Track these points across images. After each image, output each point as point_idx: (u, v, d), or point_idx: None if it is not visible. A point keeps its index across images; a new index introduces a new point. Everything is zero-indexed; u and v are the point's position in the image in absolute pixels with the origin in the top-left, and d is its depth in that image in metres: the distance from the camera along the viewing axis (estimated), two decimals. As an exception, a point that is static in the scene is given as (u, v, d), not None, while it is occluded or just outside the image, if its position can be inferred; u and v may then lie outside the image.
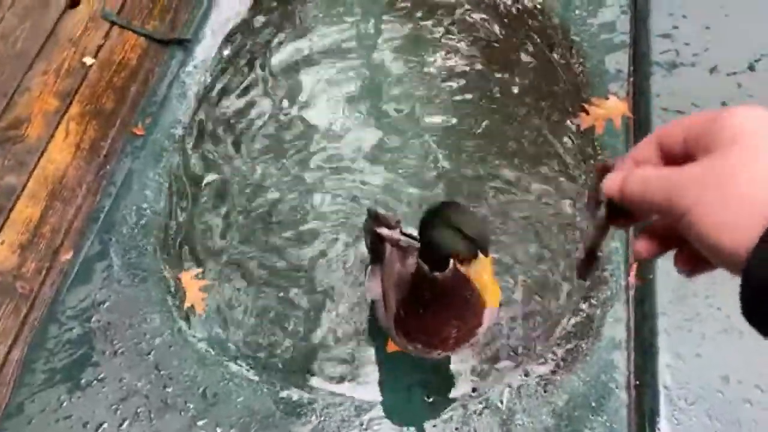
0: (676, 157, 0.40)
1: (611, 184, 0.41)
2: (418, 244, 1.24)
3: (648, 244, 0.42)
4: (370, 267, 1.39)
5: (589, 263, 0.45)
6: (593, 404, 1.40)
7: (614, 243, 1.61)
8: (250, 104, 1.91)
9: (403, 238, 1.28)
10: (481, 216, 0.90)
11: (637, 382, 1.43)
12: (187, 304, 1.54)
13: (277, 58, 2.00)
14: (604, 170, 0.42)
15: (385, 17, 2.07)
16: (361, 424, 1.38)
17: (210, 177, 1.76)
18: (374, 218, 1.40)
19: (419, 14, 2.07)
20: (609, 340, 1.47)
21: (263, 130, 1.85)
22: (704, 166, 0.35)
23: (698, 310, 1.47)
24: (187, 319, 1.52)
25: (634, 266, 1.58)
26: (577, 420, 1.38)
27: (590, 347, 1.47)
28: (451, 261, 0.98)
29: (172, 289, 1.57)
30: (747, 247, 0.33)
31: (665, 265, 1.53)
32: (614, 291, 1.53)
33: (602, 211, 0.42)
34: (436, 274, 0.99)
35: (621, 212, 0.42)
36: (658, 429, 1.34)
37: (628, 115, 1.87)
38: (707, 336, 1.44)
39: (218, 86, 1.94)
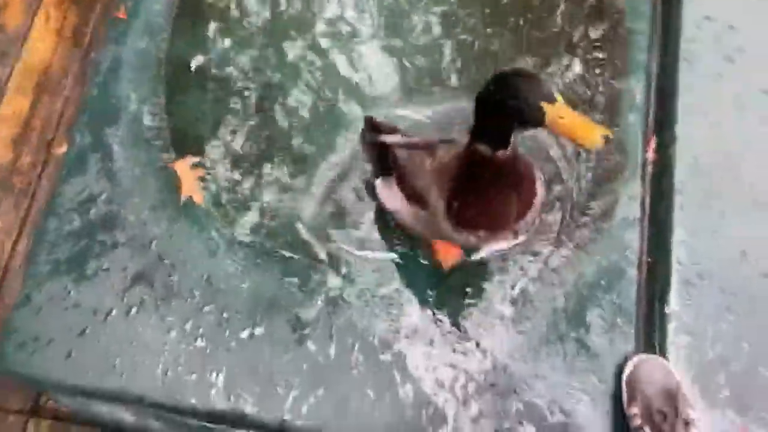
0: None
1: None
2: (438, 140, 1.16)
3: None
4: (379, 180, 1.30)
5: None
6: (602, 282, 1.36)
7: (631, 115, 1.50)
8: (238, -21, 1.75)
9: (420, 141, 1.19)
10: (530, 71, 0.82)
11: (650, 259, 1.39)
12: (184, 194, 1.50)
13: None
14: None
15: None
16: (368, 301, 1.37)
17: (200, 60, 1.65)
18: (372, 127, 1.31)
19: None
20: (623, 219, 1.41)
21: (257, 8, 1.71)
22: None
23: (719, 185, 1.39)
24: (186, 208, 1.49)
25: (653, 140, 1.48)
26: (586, 299, 1.35)
27: (604, 225, 1.41)
28: (512, 138, 0.91)
29: (170, 179, 1.52)
30: None
31: (685, 139, 1.43)
32: (631, 167, 1.45)
33: None
34: (499, 153, 0.92)
35: None
36: (668, 304, 1.31)
37: (656, -26, 1.67)
38: (727, 212, 1.37)
39: (202, -41, 1.77)
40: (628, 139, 1.47)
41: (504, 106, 0.83)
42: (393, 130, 1.30)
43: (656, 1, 1.64)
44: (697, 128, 1.44)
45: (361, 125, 1.42)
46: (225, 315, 1.37)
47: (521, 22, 1.64)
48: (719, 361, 1.27)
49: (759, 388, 1.24)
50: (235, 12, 1.71)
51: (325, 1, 1.71)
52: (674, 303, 1.32)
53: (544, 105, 0.79)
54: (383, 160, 1.26)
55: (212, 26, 1.69)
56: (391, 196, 1.24)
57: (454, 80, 1.59)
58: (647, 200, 1.43)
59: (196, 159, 1.54)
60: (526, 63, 1.59)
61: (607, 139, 0.76)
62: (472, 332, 1.34)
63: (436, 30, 1.65)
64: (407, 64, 1.62)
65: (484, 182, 0.98)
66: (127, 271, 1.42)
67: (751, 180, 1.37)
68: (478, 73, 1.60)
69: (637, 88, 1.54)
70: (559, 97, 0.80)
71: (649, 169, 1.46)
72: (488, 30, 1.64)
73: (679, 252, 1.35)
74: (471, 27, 1.65)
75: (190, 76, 1.64)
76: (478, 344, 1.33)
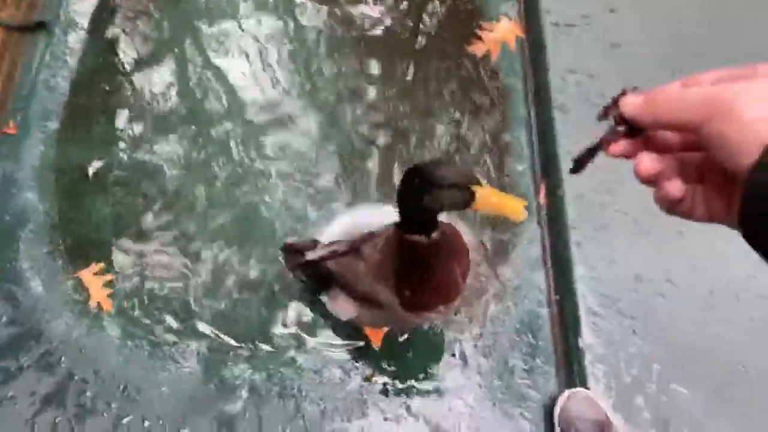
0: None
1: (632, 102, 0.43)
2: (363, 238, 1.17)
3: (652, 161, 0.44)
4: (324, 295, 1.30)
5: (582, 163, 0.49)
6: (518, 326, 1.42)
7: (521, 166, 1.61)
8: (130, 82, 1.78)
9: (341, 244, 1.21)
10: (444, 159, 0.88)
11: (557, 297, 1.46)
12: (92, 303, 1.45)
13: (153, 29, 1.86)
14: (622, 95, 0.45)
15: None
16: (293, 383, 1.35)
17: (96, 165, 1.64)
18: (291, 251, 1.33)
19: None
20: (526, 261, 1.49)
21: (146, 109, 1.73)
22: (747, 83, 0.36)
23: (606, 218, 1.50)
24: (96, 317, 1.44)
25: (543, 186, 1.59)
26: (506, 344, 1.39)
27: (510, 272, 1.48)
28: (438, 220, 0.96)
29: (75, 290, 1.48)
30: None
31: (572, 180, 1.55)
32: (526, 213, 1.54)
33: (609, 125, 0.46)
34: (434, 236, 0.96)
35: (627, 134, 0.45)
36: (581, 338, 1.38)
37: (521, 35, 1.85)
38: (617, 242, 1.47)
39: (91, 67, 1.80)
40: (520, 187, 1.57)
41: (432, 195, 0.87)
42: (313, 245, 1.30)
43: (526, 58, 1.81)
44: (578, 169, 1.56)
45: (275, 216, 1.43)
46: (146, 424, 1.31)
47: (421, 88, 1.75)
48: (635, 385, 1.33)
49: (674, 405, 1.31)
50: (128, 113, 1.73)
51: (218, 97, 1.76)
52: (586, 335, 1.38)
53: (474, 187, 0.84)
54: (317, 276, 1.27)
55: (107, 129, 1.70)
56: (343, 307, 1.24)
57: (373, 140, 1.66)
58: (546, 241, 1.52)
59: (102, 265, 1.50)
60: (427, 126, 1.69)
61: (527, 209, 0.83)
62: (402, 397, 1.34)
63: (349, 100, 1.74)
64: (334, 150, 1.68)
65: (428, 266, 1.01)
66: (35, 395, 1.34)
67: (630, 209, 1.49)
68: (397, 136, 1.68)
69: (521, 140, 1.66)
70: (482, 180, 0.86)
71: (543, 212, 1.56)
72: (398, 105, 1.74)
73: (582, 285, 1.43)
74: (381, 101, 1.74)
75: (88, 182, 1.62)
76: (409, 408, 1.33)
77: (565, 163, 1.57)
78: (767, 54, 1.67)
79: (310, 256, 1.25)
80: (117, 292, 1.47)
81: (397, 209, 0.95)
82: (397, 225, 0.99)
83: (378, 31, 1.85)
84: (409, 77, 1.77)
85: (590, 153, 0.48)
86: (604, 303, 1.41)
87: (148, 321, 1.44)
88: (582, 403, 1.31)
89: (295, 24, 1.86)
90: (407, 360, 1.38)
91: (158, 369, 1.37)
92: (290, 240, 1.42)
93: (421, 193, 0.88)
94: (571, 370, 1.37)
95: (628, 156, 0.46)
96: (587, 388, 1.33)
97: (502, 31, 1.85)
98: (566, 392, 1.32)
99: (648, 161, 0.43)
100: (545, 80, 1.72)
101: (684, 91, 0.39)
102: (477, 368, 1.37)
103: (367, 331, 1.39)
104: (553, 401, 1.33)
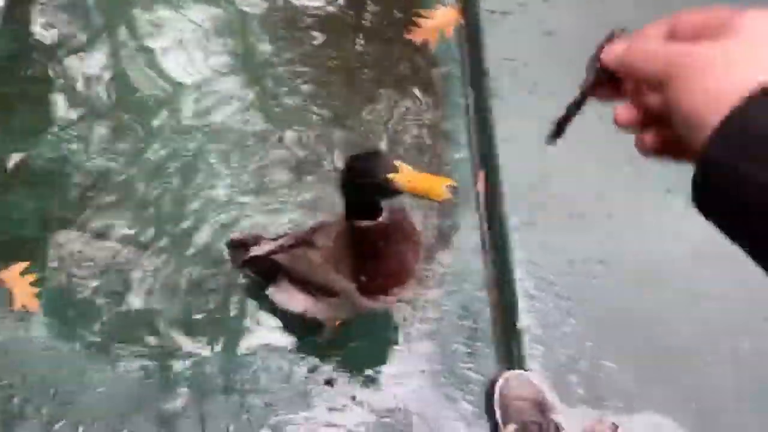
0: (682, 39, 0.40)
1: (611, 51, 0.42)
2: (313, 229, 1.18)
3: (628, 112, 0.43)
4: (271, 290, 1.28)
5: (560, 129, 0.47)
6: (460, 311, 1.44)
7: (460, 154, 1.64)
8: (53, 69, 1.68)
9: (287, 238, 1.21)
10: (368, 150, 0.93)
11: (497, 281, 1.50)
12: (18, 304, 1.37)
13: (76, 10, 1.76)
14: (609, 40, 0.43)
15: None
16: (236, 377, 1.33)
17: (15, 158, 1.54)
18: (237, 246, 1.32)
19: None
20: (466, 247, 1.52)
21: (71, 97, 1.64)
22: (710, 45, 0.35)
23: (542, 203, 1.54)
24: (21, 319, 1.37)
25: (482, 174, 1.62)
26: (448, 330, 1.42)
27: (450, 259, 1.51)
28: (381, 203, 0.99)
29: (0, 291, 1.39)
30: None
31: (506, 167, 1.58)
32: (464, 200, 1.56)
33: (590, 78, 0.44)
34: (380, 220, 0.99)
35: (609, 81, 0.44)
36: (518, 320, 1.42)
37: (460, 22, 1.86)
38: (551, 227, 1.52)
39: (8, 53, 1.68)
40: (459, 174, 1.60)
41: (359, 185, 0.92)
42: (257, 240, 1.29)
43: (463, 46, 1.82)
44: (514, 156, 1.60)
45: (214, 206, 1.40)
46: (81, 429, 1.26)
47: (360, 76, 1.74)
48: (569, 363, 1.38)
49: (607, 380, 1.37)
50: (51, 101, 1.63)
51: (151, 82, 1.69)
52: (524, 318, 1.43)
53: (391, 176, 0.87)
54: (264, 271, 1.27)
55: (27, 119, 1.60)
56: (292, 300, 1.24)
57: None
58: (484, 227, 1.55)
59: (26, 264, 1.42)
60: (365, 113, 1.68)
61: (453, 189, 0.84)
62: (346, 387, 1.35)
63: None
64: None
65: (379, 249, 1.03)
66: (-44, 404, 1.26)
67: (564, 194, 1.54)
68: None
69: (459, 127, 1.68)
70: (401, 165, 0.88)
71: (482, 199, 1.59)
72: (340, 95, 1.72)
73: (519, 270, 1.48)
74: (328, 95, 1.72)
75: (7, 175, 1.53)
76: (353, 398, 1.34)
77: (502, 150, 1.60)
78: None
79: (256, 251, 1.24)
80: (44, 291, 1.40)
81: (341, 197, 0.99)
82: (344, 212, 1.02)
83: (317, 16, 1.82)
84: (348, 64, 1.76)
85: (573, 109, 0.47)
86: (540, 286, 1.46)
87: (79, 320, 1.38)
88: (520, 383, 1.35)
89: (232, 6, 1.80)
90: (351, 349, 1.38)
91: (92, 370, 1.32)
92: (235, 235, 1.38)
93: (354, 182, 0.93)
94: (510, 351, 1.41)
95: (613, 100, 0.45)
96: (526, 369, 1.38)
97: (440, 19, 1.86)
98: (505, 373, 1.37)
99: (623, 111, 0.44)
100: (482, 68, 1.74)
101: (657, 46, 0.39)
102: (419, 354, 1.39)
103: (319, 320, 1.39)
104: (494, 383, 1.37)
